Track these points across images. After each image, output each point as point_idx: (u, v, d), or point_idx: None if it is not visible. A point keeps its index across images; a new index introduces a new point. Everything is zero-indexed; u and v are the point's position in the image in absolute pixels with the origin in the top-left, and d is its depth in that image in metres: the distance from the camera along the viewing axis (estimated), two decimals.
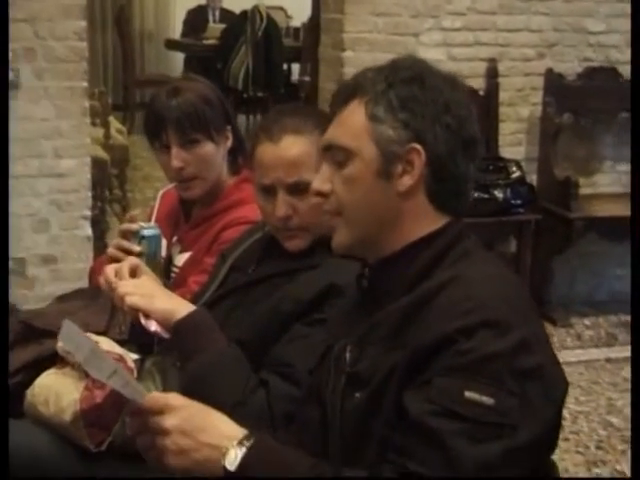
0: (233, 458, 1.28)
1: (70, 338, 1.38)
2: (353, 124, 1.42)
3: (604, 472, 3.22)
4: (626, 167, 4.81)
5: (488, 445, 1.22)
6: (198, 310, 1.77)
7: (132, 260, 1.86)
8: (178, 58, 9.12)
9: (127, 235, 2.10)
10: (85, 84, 3.92)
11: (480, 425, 1.23)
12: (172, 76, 8.89)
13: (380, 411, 1.34)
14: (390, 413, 1.32)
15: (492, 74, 4.47)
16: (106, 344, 1.77)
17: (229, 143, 2.31)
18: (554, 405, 1.32)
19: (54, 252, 3.91)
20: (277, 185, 1.79)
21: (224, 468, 1.28)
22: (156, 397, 1.36)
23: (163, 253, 2.22)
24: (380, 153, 1.40)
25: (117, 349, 1.76)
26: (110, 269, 1.78)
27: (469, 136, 1.42)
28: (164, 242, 2.31)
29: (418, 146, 1.38)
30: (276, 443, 1.35)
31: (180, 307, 1.75)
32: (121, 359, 1.72)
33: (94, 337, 1.77)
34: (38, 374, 1.84)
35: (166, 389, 1.81)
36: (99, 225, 4.87)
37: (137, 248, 2.05)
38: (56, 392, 1.75)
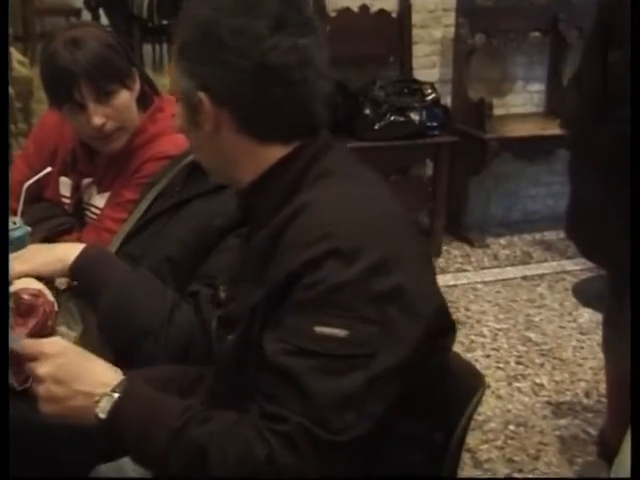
0: (104, 405, 1.27)
1: None
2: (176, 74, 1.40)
3: (524, 386, 3.30)
4: (538, 87, 4.86)
5: (345, 378, 1.18)
6: (89, 246, 1.74)
7: None
8: None
9: None
10: None
11: (334, 359, 1.18)
12: (74, 6, 8.62)
13: (250, 352, 1.29)
14: (258, 354, 1.27)
15: None
16: (24, 282, 1.71)
17: (138, 84, 2.13)
18: (419, 324, 1.25)
19: None
20: None
21: (97, 416, 1.27)
22: (31, 344, 1.36)
23: None
24: (186, 104, 1.37)
25: (35, 284, 1.69)
26: None
27: (259, 62, 1.29)
28: (66, 182, 2.23)
29: (201, 94, 1.32)
30: (150, 389, 1.33)
31: (69, 250, 1.72)
32: (40, 294, 1.66)
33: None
34: None
35: (86, 322, 1.76)
36: None
37: None
38: None
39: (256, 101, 1.32)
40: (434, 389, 1.34)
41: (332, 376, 1.18)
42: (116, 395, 1.28)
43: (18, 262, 1.72)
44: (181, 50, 1.36)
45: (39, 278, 1.75)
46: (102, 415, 1.27)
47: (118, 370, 1.43)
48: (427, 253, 1.39)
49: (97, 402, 1.28)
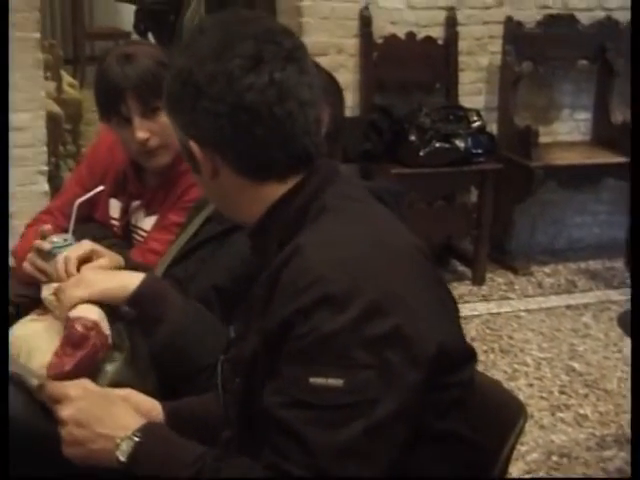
0: (125, 449, 1.30)
1: None
2: None
3: (568, 416, 3.27)
4: (584, 115, 4.84)
5: (344, 428, 1.15)
6: (148, 277, 1.73)
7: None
8: (128, 10, 8.91)
9: (41, 254, 1.94)
10: (38, 35, 3.82)
11: (332, 409, 1.16)
12: (123, 29, 8.75)
13: (256, 398, 1.26)
14: (261, 402, 1.24)
15: (451, 23, 4.44)
16: (84, 309, 1.70)
17: None
18: (420, 365, 1.20)
19: (11, 208, 3.82)
20: None
21: (117, 459, 1.30)
22: (55, 386, 1.42)
23: None
24: (184, 152, 1.39)
25: (92, 315, 1.68)
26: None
27: (237, 104, 1.28)
28: (115, 204, 2.25)
29: (191, 143, 1.33)
30: (170, 433, 1.34)
31: (130, 279, 1.71)
32: (94, 326, 1.65)
33: None
34: None
35: (133, 344, 1.76)
36: (54, 181, 4.78)
37: (51, 269, 1.89)
38: (28, 350, 1.68)
39: (241, 143, 1.30)
40: (451, 427, 1.30)
41: (331, 427, 1.16)
42: (136, 439, 1.30)
43: (78, 288, 1.71)
44: (166, 101, 1.37)
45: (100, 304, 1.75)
46: (122, 458, 1.30)
47: (151, 401, 1.48)
48: (437, 286, 1.32)
49: (118, 445, 1.31)
